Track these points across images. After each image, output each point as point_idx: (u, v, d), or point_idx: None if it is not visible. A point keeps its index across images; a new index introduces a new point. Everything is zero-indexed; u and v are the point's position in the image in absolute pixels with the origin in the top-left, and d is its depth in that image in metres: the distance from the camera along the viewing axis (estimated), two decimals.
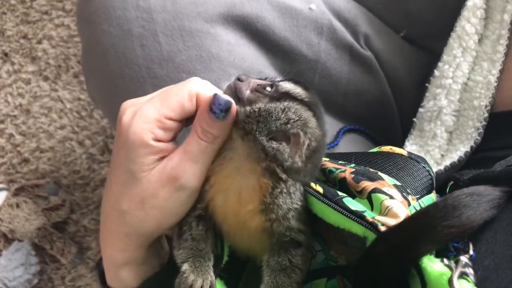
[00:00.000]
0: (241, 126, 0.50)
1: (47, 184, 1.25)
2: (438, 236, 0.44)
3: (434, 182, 0.61)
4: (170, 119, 0.51)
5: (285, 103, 0.50)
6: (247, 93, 0.51)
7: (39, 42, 1.38)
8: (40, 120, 1.33)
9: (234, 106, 0.50)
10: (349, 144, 0.84)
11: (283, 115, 0.49)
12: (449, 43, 0.81)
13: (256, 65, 0.78)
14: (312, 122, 0.50)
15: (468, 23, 0.80)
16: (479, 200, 0.45)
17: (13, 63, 1.37)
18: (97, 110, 1.31)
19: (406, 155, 0.61)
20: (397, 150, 0.63)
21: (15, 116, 1.34)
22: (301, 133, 0.49)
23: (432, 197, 0.59)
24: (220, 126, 0.50)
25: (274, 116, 0.49)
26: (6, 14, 1.41)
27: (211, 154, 0.51)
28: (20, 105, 1.34)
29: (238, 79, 0.52)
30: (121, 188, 0.52)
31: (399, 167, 0.58)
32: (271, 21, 0.79)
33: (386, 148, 0.64)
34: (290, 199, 0.51)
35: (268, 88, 0.52)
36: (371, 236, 0.47)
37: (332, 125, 0.85)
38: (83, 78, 1.19)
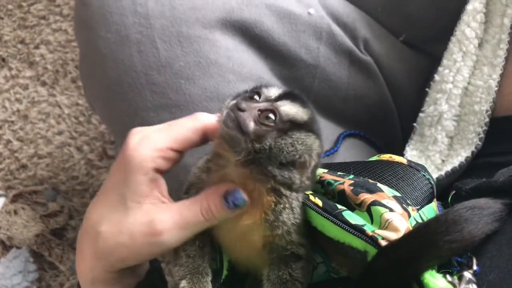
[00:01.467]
0: (248, 158, 0.49)
1: (45, 190, 1.24)
2: (439, 251, 0.43)
3: (435, 190, 0.60)
4: (174, 150, 0.52)
5: (293, 136, 0.49)
6: (251, 125, 0.49)
7: (37, 47, 1.37)
8: (38, 125, 1.32)
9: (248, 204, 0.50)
10: (349, 149, 0.84)
11: (292, 148, 0.49)
12: (449, 48, 0.81)
13: (255, 71, 0.78)
14: (316, 144, 0.51)
15: (468, 28, 0.79)
16: (480, 214, 0.45)
17: (10, 69, 1.37)
18: (95, 116, 1.30)
19: (406, 163, 0.61)
20: (396, 158, 0.63)
21: (12, 121, 1.33)
22: (308, 158, 0.50)
23: (432, 207, 0.58)
24: (226, 213, 0.51)
25: (284, 151, 0.49)
26: (3, 19, 1.40)
27: (200, 229, 0.52)
28: (18, 110, 1.34)
29: (239, 108, 0.49)
30: (106, 210, 0.53)
31: (399, 176, 0.58)
32: (270, 26, 0.78)
33: (386, 156, 0.64)
34: (293, 214, 0.51)
35: (272, 116, 0.49)
36: (371, 250, 0.46)
37: (332, 130, 0.84)
38: (81, 83, 1.19)
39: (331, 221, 0.49)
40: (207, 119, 0.53)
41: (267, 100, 0.51)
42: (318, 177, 0.55)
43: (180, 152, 0.53)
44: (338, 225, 0.48)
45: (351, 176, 0.56)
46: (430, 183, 0.60)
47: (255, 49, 0.79)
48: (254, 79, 0.77)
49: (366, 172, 0.58)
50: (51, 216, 1.21)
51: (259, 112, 0.49)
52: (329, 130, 0.84)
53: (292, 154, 0.49)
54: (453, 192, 0.59)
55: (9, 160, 1.31)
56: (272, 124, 0.49)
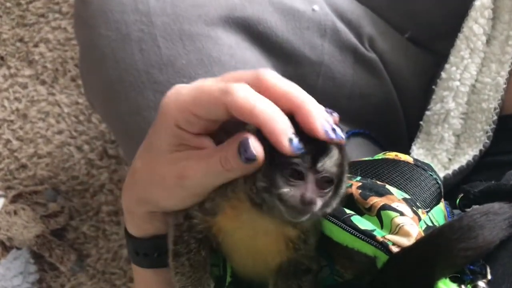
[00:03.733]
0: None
1: (45, 191, 1.23)
2: (454, 259, 0.42)
3: (442, 190, 0.59)
4: (195, 115, 0.49)
5: (345, 179, 0.48)
6: (320, 203, 0.45)
7: (36, 45, 1.36)
8: (37, 125, 1.31)
9: (260, 160, 0.46)
10: (354, 148, 0.83)
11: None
12: (456, 44, 0.80)
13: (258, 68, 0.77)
14: None
15: (476, 24, 0.78)
16: (495, 220, 0.43)
17: (9, 67, 1.36)
18: (96, 115, 1.29)
19: (412, 162, 0.60)
20: (403, 157, 0.61)
21: (11, 121, 1.32)
22: None
23: (441, 208, 0.57)
24: (241, 166, 0.47)
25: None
26: (2, 17, 1.39)
27: (223, 179, 0.49)
28: (17, 109, 1.32)
29: (311, 201, 0.44)
30: (143, 148, 0.55)
31: (406, 177, 0.56)
32: (273, 23, 0.77)
33: (391, 155, 0.63)
34: (316, 236, 0.50)
35: (328, 179, 0.46)
36: (382, 256, 0.45)
37: None
38: (81, 82, 1.18)
39: (340, 226, 0.48)
40: (239, 101, 0.46)
41: (305, 161, 0.45)
42: None
43: (206, 121, 0.49)
44: (347, 231, 0.47)
45: (358, 178, 0.55)
46: (438, 183, 0.58)
47: (259, 47, 0.78)
48: None
49: (373, 173, 0.57)
50: (52, 217, 1.20)
51: (320, 184, 0.45)
52: None
53: None
54: (461, 195, 0.58)
55: (8, 160, 1.30)
56: (331, 187, 0.46)
